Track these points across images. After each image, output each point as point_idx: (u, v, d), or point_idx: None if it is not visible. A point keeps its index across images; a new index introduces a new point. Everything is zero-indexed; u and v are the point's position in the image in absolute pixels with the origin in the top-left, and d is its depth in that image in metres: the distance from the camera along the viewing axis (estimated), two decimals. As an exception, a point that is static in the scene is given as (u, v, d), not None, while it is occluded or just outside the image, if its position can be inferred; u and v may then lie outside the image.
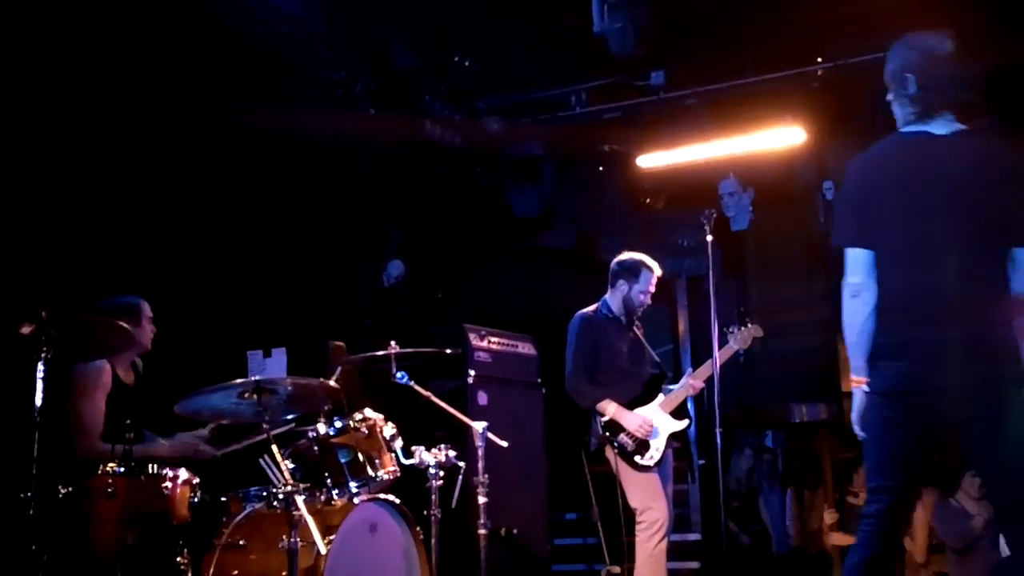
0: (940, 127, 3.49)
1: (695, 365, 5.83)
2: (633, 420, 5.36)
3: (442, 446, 4.77)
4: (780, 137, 7.55)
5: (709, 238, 5.28)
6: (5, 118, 4.78)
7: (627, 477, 5.37)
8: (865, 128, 7.61)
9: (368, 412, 4.66)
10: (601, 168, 8.36)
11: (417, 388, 4.94)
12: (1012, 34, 6.37)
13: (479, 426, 4.87)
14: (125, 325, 4.00)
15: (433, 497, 4.71)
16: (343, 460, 4.47)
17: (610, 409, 5.38)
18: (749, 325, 5.62)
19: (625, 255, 5.69)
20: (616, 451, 5.36)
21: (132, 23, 5.30)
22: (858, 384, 3.53)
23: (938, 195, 3.39)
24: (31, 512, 3.46)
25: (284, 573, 3.91)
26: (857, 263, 3.49)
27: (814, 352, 8.60)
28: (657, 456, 5.37)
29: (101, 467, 3.87)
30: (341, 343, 5.75)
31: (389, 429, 4.69)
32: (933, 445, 3.47)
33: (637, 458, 5.34)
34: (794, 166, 8.04)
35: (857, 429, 3.56)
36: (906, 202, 3.44)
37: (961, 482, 6.18)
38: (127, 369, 4.75)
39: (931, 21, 6.54)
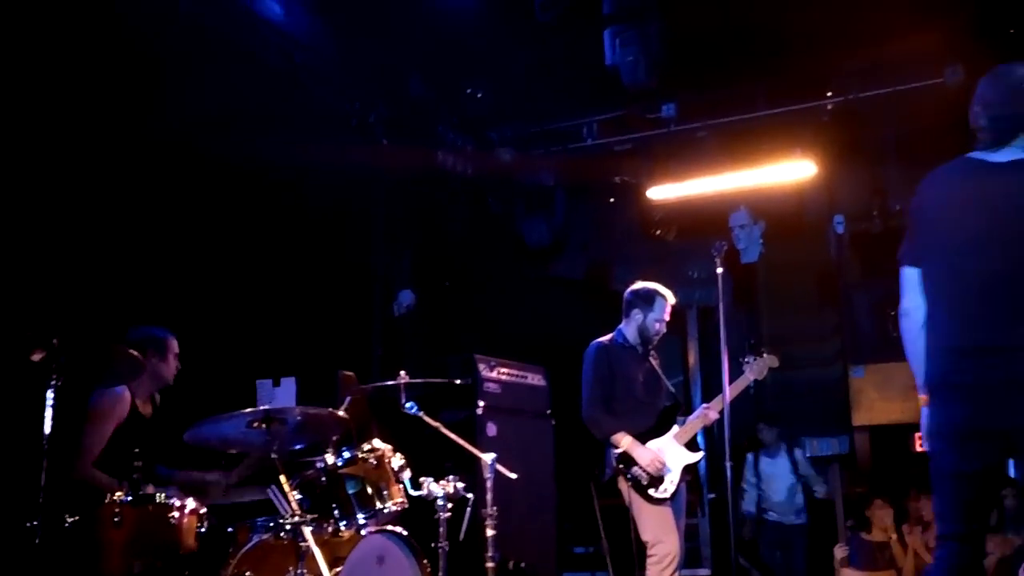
0: (1003, 155, 3.40)
1: (706, 396, 5.80)
2: (646, 455, 5.31)
3: (451, 477, 4.75)
4: (790, 170, 7.58)
5: (720, 270, 5.27)
6: (26, 148, 4.83)
7: (640, 509, 5.32)
8: (874, 161, 7.69)
9: (377, 443, 4.64)
10: (612, 199, 8.39)
11: (426, 418, 4.92)
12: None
13: (488, 458, 4.85)
14: (136, 355, 4.01)
15: (441, 529, 4.68)
16: (351, 491, 4.44)
17: (624, 442, 5.34)
18: (764, 355, 5.58)
19: (639, 284, 5.69)
20: (630, 483, 5.32)
21: (147, 50, 5.35)
22: (924, 402, 3.48)
23: (985, 223, 3.31)
24: (38, 541, 3.46)
25: (291, 604, 3.89)
26: (908, 283, 3.47)
27: (825, 385, 8.58)
28: (672, 489, 5.32)
29: (108, 495, 3.88)
30: (351, 373, 5.75)
31: (397, 460, 4.67)
32: (999, 485, 3.41)
33: (651, 491, 5.29)
34: (804, 199, 8.06)
35: (926, 445, 3.49)
36: (953, 228, 3.38)
37: None
38: (146, 401, 4.77)
39: (938, 57, 6.65)
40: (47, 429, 3.60)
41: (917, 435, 8.47)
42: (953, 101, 6.58)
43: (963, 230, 3.35)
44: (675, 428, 5.47)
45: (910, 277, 3.47)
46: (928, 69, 6.76)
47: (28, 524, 3.47)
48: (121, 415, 4.56)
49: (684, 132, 7.55)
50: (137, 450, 3.96)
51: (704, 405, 5.51)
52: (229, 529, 4.24)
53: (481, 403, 6.32)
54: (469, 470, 5.13)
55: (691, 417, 5.51)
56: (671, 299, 5.62)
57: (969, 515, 3.36)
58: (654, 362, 5.66)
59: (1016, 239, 3.26)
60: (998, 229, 3.28)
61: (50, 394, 3.63)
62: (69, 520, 3.82)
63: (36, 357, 3.66)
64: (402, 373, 4.95)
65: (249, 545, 4.13)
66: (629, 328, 5.62)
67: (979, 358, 3.26)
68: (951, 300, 3.36)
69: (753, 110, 7.34)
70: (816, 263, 8.54)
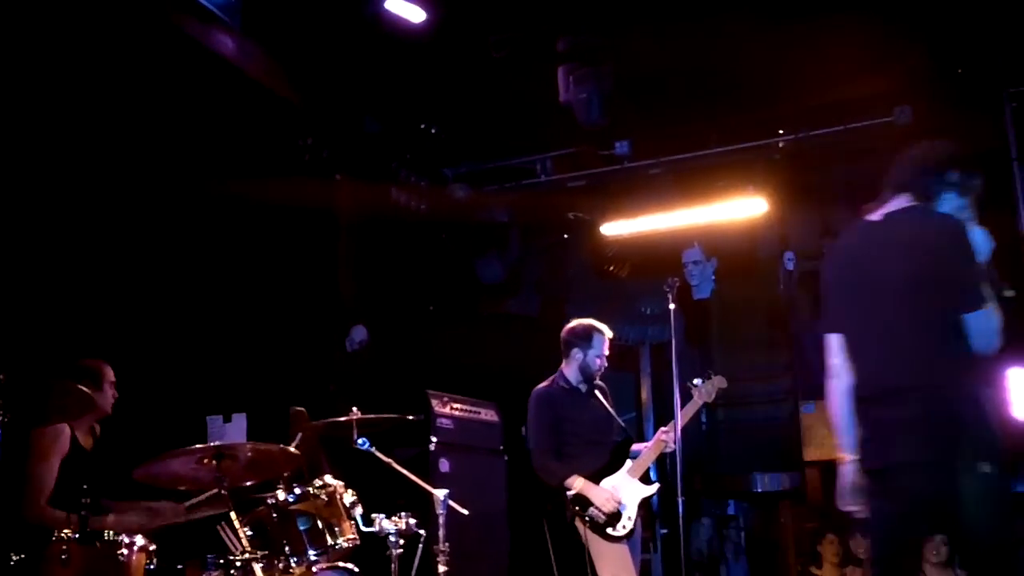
0: (893, 206, 3.58)
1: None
2: (600, 495, 5.29)
3: (403, 514, 4.71)
4: (743, 207, 7.68)
5: (672, 306, 5.31)
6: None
7: (597, 549, 5.30)
8: (826, 199, 7.83)
9: (328, 479, 4.61)
10: (566, 236, 8.44)
11: (378, 454, 4.89)
12: (969, 119, 6.57)
13: (440, 494, 4.82)
14: (85, 389, 3.95)
15: (393, 566, 4.63)
16: (302, 527, 4.41)
17: (577, 484, 5.32)
18: (713, 377, 5.57)
19: (574, 322, 5.69)
20: (587, 524, 5.30)
21: (92, 80, 5.31)
22: (842, 460, 3.58)
23: (881, 274, 3.47)
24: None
25: (241, 644, 3.83)
26: (832, 347, 3.62)
27: (777, 422, 8.64)
28: (630, 525, 5.31)
29: (56, 533, 3.80)
30: (302, 408, 5.68)
31: (349, 496, 4.63)
32: (921, 519, 3.48)
33: (609, 530, 5.28)
34: (756, 236, 8.18)
35: (841, 504, 3.60)
36: (858, 285, 3.55)
37: (923, 549, 6.15)
38: (86, 433, 4.69)
39: (889, 97, 6.82)
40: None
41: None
42: (901, 141, 6.75)
43: (866, 285, 3.52)
44: (628, 463, 5.47)
45: (831, 342, 3.63)
46: (878, 109, 6.93)
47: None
48: (63, 449, 4.50)
49: (637, 169, 7.64)
50: (85, 486, 3.89)
51: (662, 429, 5.48)
52: (179, 567, 4.20)
53: (434, 439, 6.29)
54: (421, 506, 5.08)
55: (645, 446, 5.49)
56: (608, 333, 5.63)
57: (888, 542, 3.47)
58: (602, 398, 5.65)
59: (912, 284, 3.39)
60: (898, 278, 3.42)
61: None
62: (14, 559, 3.73)
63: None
64: (354, 409, 4.92)
65: (199, 583, 4.07)
66: (570, 369, 5.61)
67: (885, 403, 3.41)
68: (864, 352, 3.53)
69: (706, 147, 7.45)
70: (767, 300, 8.64)
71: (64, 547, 3.77)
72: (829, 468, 8.50)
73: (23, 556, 3.76)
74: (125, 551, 3.91)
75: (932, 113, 6.68)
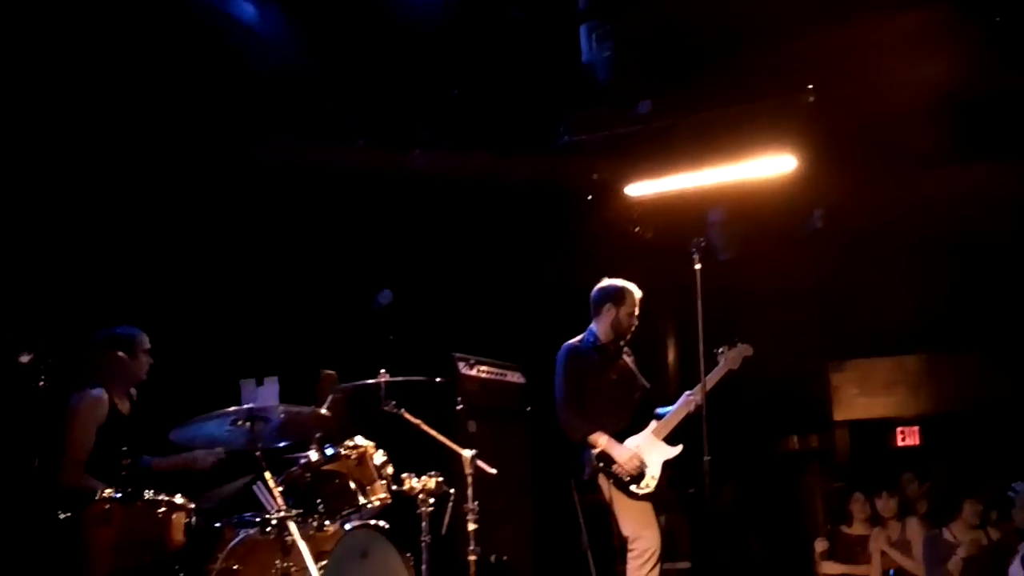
0: None
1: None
2: (624, 454, 5.33)
3: (432, 473, 4.78)
4: (770, 165, 7.56)
5: (698, 267, 5.30)
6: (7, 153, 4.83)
7: (620, 505, 5.36)
8: (855, 155, 7.72)
9: (359, 440, 4.69)
10: (590, 197, 8.40)
11: (407, 416, 4.95)
12: (1001, 63, 6.44)
13: (468, 453, 4.89)
14: (121, 355, 4.05)
15: (423, 524, 4.73)
16: (334, 487, 4.49)
17: (601, 441, 5.37)
18: (739, 344, 5.58)
19: (605, 282, 5.72)
20: (611, 480, 5.35)
21: (119, 47, 5.35)
22: None
23: None
24: (28, 539, 3.49)
25: (277, 598, 3.93)
26: None
27: (803, 382, 8.62)
28: (652, 485, 5.35)
29: (98, 493, 3.90)
30: (332, 372, 5.76)
31: (379, 457, 4.71)
32: None
33: (632, 487, 5.33)
34: (783, 194, 8.08)
35: None
36: None
37: (962, 509, 6.16)
38: (123, 398, 4.78)
39: (916, 48, 6.68)
40: (35, 430, 3.64)
41: (899, 430, 8.63)
42: (932, 93, 6.65)
43: None
44: (653, 424, 5.50)
45: None
46: (908, 60, 6.77)
47: (19, 523, 3.50)
48: (101, 416, 4.59)
49: (661, 128, 7.55)
50: (124, 448, 3.99)
51: (687, 393, 5.51)
52: (216, 525, 4.30)
53: (460, 401, 6.34)
54: (448, 467, 5.16)
55: (672, 408, 5.50)
56: (638, 292, 5.65)
57: None
58: (628, 359, 5.67)
59: None
60: None
61: (37, 396, 3.67)
62: (61, 516, 3.84)
63: (24, 359, 3.69)
64: (382, 372, 4.98)
65: (236, 540, 4.19)
66: (601, 326, 5.63)
67: None
68: None
69: (731, 104, 7.32)
70: (795, 259, 8.57)
71: (106, 507, 3.89)
72: (858, 428, 8.59)
73: (69, 515, 3.87)
74: (164, 509, 4.02)
75: (964, 61, 6.51)
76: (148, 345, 4.86)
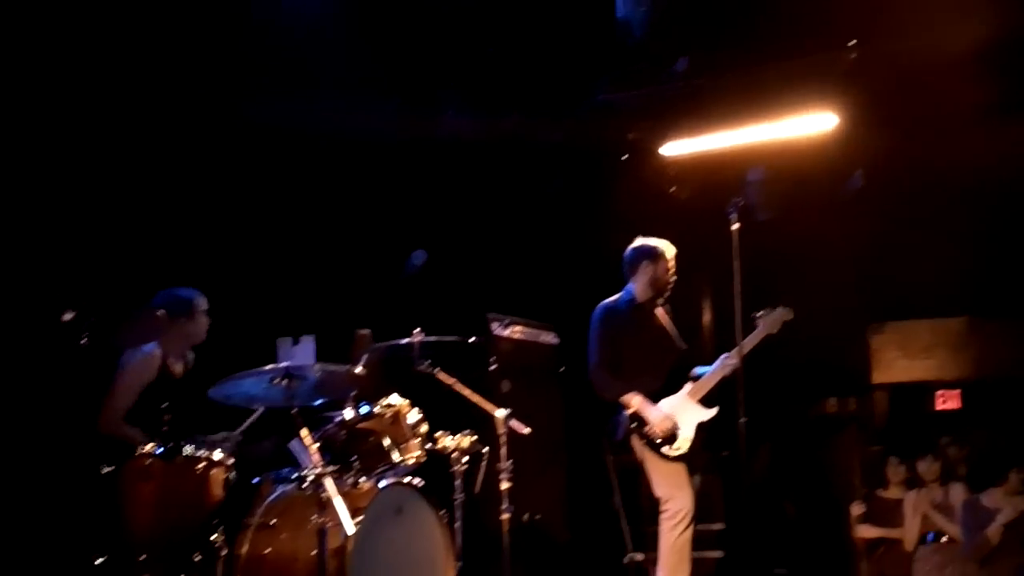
0: None
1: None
2: (657, 416, 5.32)
3: (465, 432, 4.81)
4: (810, 124, 7.42)
5: (735, 227, 5.24)
6: (56, 115, 4.93)
7: (653, 466, 5.36)
8: (899, 114, 7.57)
9: (394, 398, 4.72)
10: (625, 157, 8.31)
11: (442, 375, 4.97)
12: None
13: (501, 413, 4.90)
14: (159, 314, 4.10)
15: (457, 482, 4.77)
16: (369, 445, 4.53)
17: (635, 402, 5.35)
18: (778, 308, 5.52)
19: (638, 241, 5.69)
20: (644, 441, 5.34)
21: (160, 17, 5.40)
22: None
23: None
24: (71, 492, 3.56)
25: (314, 552, 4.02)
26: None
27: (842, 344, 8.53)
28: (686, 447, 5.34)
29: (138, 449, 3.96)
30: (367, 331, 5.79)
31: (414, 415, 4.75)
32: None
33: (665, 448, 5.32)
34: (823, 153, 7.95)
35: None
36: None
37: (1009, 476, 6.09)
38: (178, 359, 4.84)
39: (961, 1, 6.50)
40: (78, 387, 3.70)
41: (937, 393, 8.53)
42: (974, 52, 6.48)
43: None
44: (688, 385, 5.46)
45: None
46: (952, 13, 6.60)
47: (62, 477, 3.57)
48: (151, 374, 4.67)
49: (698, 86, 7.44)
50: (165, 405, 4.05)
51: (724, 355, 5.46)
52: (254, 481, 4.38)
53: (494, 361, 6.35)
54: (483, 426, 5.18)
55: (709, 370, 5.46)
56: (673, 249, 5.61)
57: None
58: (666, 318, 5.63)
59: None
60: None
61: (79, 353, 3.73)
62: (105, 470, 3.92)
63: (67, 317, 3.75)
64: (417, 331, 4.99)
65: (273, 496, 4.27)
66: (638, 284, 5.60)
67: None
68: None
69: (770, 61, 7.18)
70: (834, 219, 8.45)
71: (147, 462, 3.97)
72: (897, 391, 8.50)
73: (112, 468, 3.95)
74: (204, 465, 4.08)
75: (1008, 19, 6.35)
76: (206, 307, 4.94)
